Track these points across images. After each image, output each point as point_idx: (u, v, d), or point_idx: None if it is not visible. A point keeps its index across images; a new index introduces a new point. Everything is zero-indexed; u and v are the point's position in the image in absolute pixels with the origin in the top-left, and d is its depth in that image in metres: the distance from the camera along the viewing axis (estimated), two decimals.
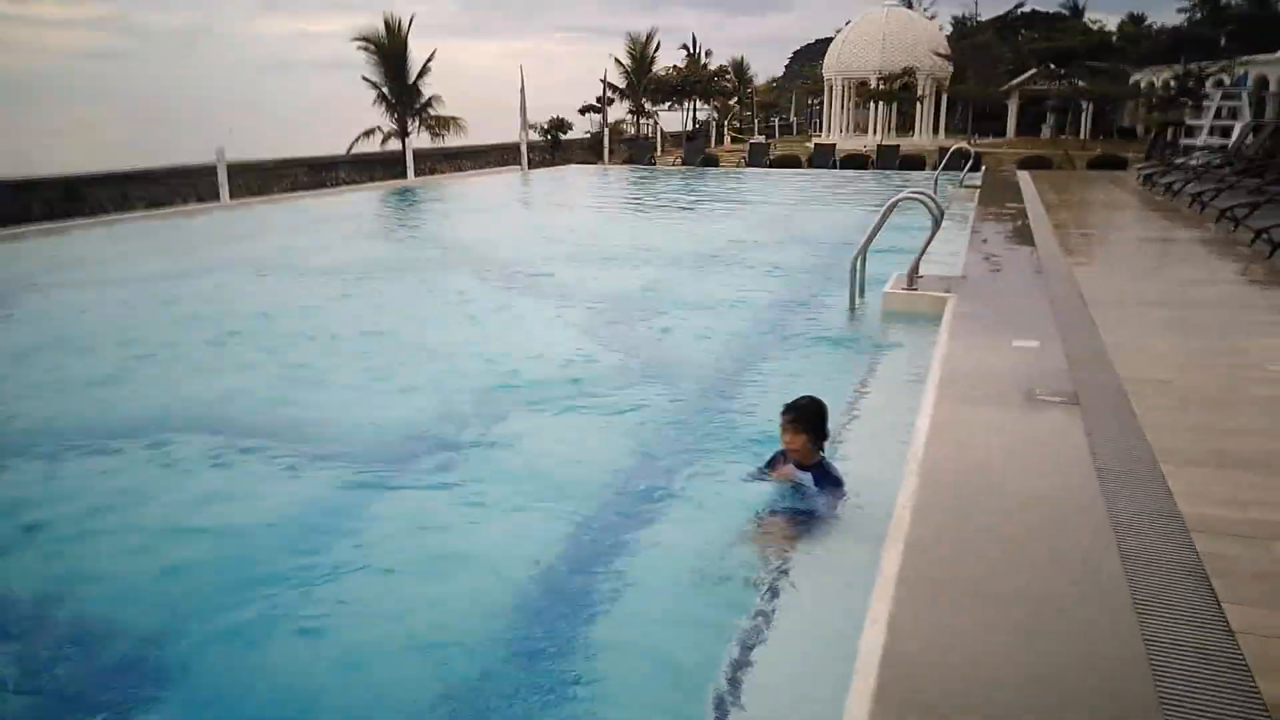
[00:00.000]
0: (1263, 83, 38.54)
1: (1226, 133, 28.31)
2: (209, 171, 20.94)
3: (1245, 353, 6.67)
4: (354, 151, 29.64)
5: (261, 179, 23.61)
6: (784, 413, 4.89)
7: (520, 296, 11.09)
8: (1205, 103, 32.90)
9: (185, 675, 3.75)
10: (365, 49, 29.68)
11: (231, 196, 20.67)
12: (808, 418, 4.85)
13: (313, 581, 4.41)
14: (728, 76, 50.11)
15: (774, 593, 4.10)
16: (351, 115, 31.12)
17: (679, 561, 4.58)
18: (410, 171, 28.08)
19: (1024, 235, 12.66)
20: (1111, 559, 3.58)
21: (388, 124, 30.25)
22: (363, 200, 22.58)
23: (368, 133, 30.79)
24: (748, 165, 32.45)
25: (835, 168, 30.48)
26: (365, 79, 29.80)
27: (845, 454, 5.70)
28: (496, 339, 9.19)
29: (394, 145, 29.71)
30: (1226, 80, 34.17)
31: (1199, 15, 56.32)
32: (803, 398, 4.93)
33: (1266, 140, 17.19)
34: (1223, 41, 51.84)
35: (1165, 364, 6.36)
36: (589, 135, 38.94)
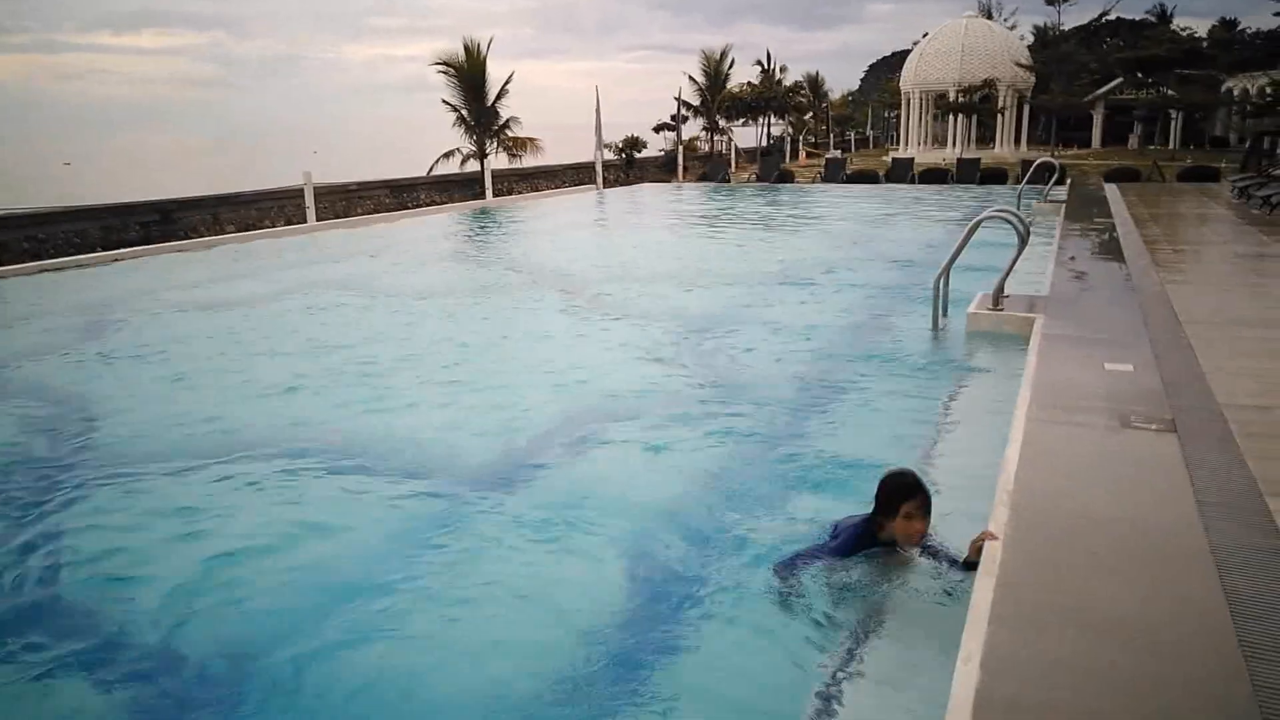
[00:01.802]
0: None
1: None
2: (296, 194, 21.70)
3: None
4: (434, 173, 30.35)
5: (345, 201, 24.35)
6: (909, 497, 4.29)
7: (597, 317, 11.18)
8: None
9: (248, 699, 3.83)
10: (445, 72, 30.43)
11: (317, 218, 21.37)
12: (928, 501, 4.32)
13: (382, 604, 4.49)
14: (802, 91, 49.88)
15: (862, 632, 4.04)
16: (432, 137, 31.92)
17: (757, 598, 4.54)
18: (489, 192, 28.61)
19: (1113, 251, 12.31)
20: (1215, 595, 3.47)
21: (466, 145, 30.93)
22: (442, 222, 23.08)
23: (447, 154, 31.52)
24: (824, 180, 32.22)
25: (914, 182, 30.06)
26: (445, 101, 30.52)
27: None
28: (573, 360, 9.28)
29: (472, 166, 30.34)
30: None
31: None
32: (911, 474, 4.43)
33: None
34: None
35: (1267, 389, 6.11)
36: (663, 153, 39.16)
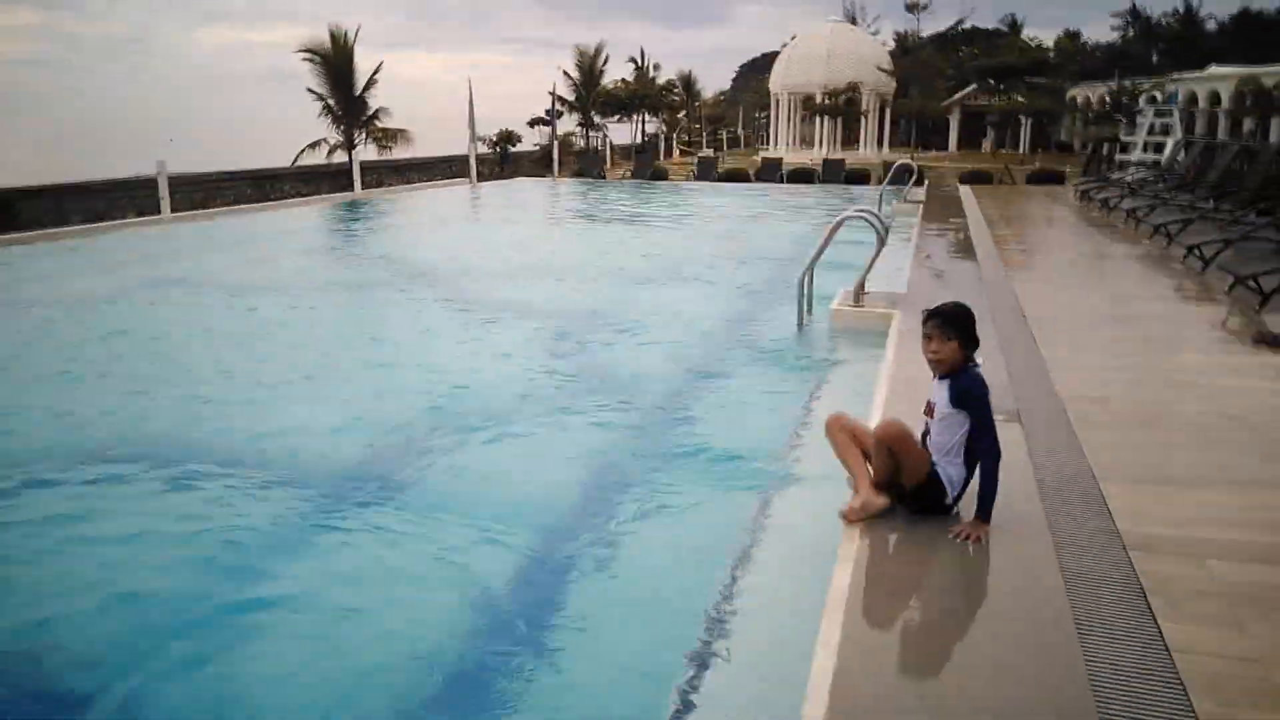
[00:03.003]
0: (1192, 99, 39.89)
1: (1159, 148, 29.23)
2: (149, 185, 20.55)
3: (1181, 369, 6.89)
4: (299, 164, 29.29)
5: (203, 192, 23.19)
6: (926, 319, 4.26)
7: (468, 312, 11.03)
8: (1139, 119, 33.92)
9: (126, 703, 3.66)
10: (310, 60, 29.39)
11: (173, 210, 20.31)
12: (956, 322, 4.19)
13: (249, 611, 4.34)
14: (675, 90, 50.42)
15: (727, 615, 4.13)
16: (296, 128, 30.76)
17: (632, 583, 4.60)
18: (357, 184, 27.82)
19: (966, 250, 12.94)
20: (1053, 576, 3.68)
21: (334, 136, 29.97)
22: (308, 214, 22.30)
23: (313, 145, 30.43)
24: (696, 179, 32.68)
25: (782, 181, 30.82)
26: (310, 90, 29.50)
27: (795, 472, 5.79)
28: (442, 356, 9.13)
29: (340, 158, 29.43)
30: (1159, 97, 35.28)
31: (1131, 33, 58.23)
32: (945, 304, 4.31)
33: (1197, 157, 17.76)
34: (1154, 59, 53.63)
35: (1104, 380, 6.53)
36: (538, 148, 38.93)
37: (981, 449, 4.10)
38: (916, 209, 18.95)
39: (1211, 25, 72.30)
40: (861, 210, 8.83)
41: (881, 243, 9.00)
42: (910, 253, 12.49)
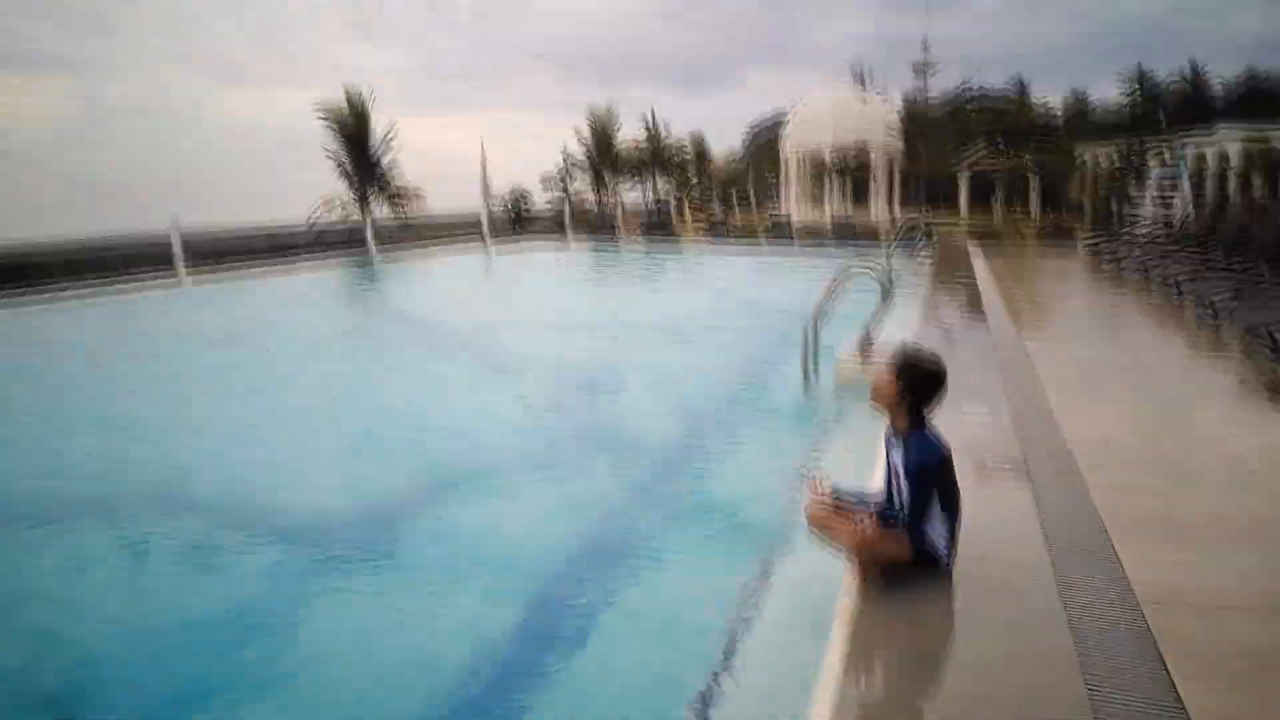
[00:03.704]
0: (1200, 159, 40.06)
1: (1169, 206, 29.28)
2: (163, 243, 20.73)
3: (1197, 422, 6.72)
4: (314, 223, 29.59)
5: (219, 251, 23.39)
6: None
7: (479, 375, 10.98)
8: (1148, 179, 34.07)
9: None
10: (326, 120, 29.90)
11: (187, 270, 20.45)
12: (905, 363, 4.02)
13: (241, 665, 4.20)
14: (686, 150, 51.00)
15: (722, 670, 3.95)
16: (314, 188, 31.20)
17: (629, 646, 4.43)
18: (371, 245, 28.05)
19: (975, 305, 12.83)
20: (1061, 632, 3.50)
21: (348, 196, 30.32)
22: (322, 277, 22.44)
23: (328, 205, 30.80)
24: (708, 238, 32.85)
25: (792, 240, 30.94)
26: (326, 150, 29.96)
27: (796, 535, 5.62)
28: (452, 418, 9.06)
29: (355, 217, 29.73)
30: (1167, 156, 35.43)
31: (1138, 94, 58.78)
32: (927, 352, 4.17)
33: (1208, 214, 17.71)
34: (1161, 119, 54.09)
35: (1113, 431, 6.37)
36: (549, 207, 39.27)
37: (904, 511, 3.89)
38: (926, 265, 18.91)
39: (1218, 87, 73.17)
40: (862, 265, 8.77)
41: (885, 295, 8.91)
42: (919, 307, 12.40)
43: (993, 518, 4.79)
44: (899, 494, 4.06)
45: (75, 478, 6.91)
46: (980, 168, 48.24)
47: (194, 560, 5.42)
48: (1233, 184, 40.26)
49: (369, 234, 28.24)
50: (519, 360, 11.48)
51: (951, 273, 17.37)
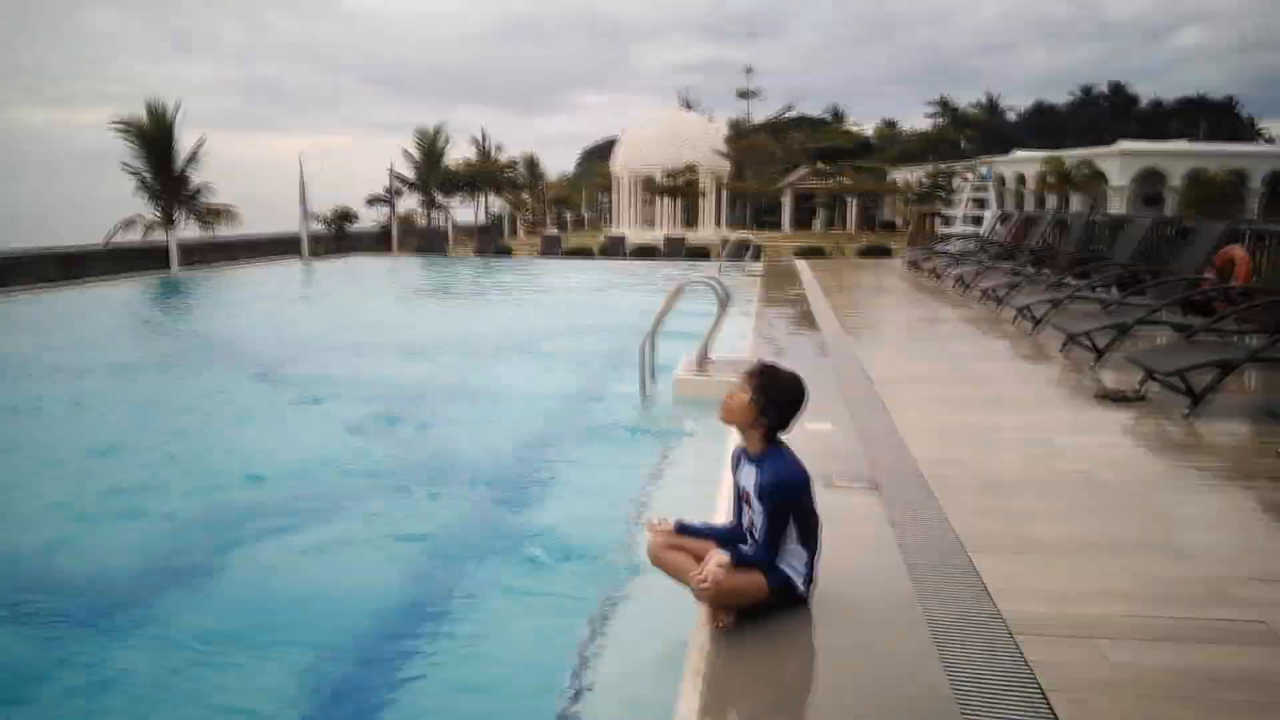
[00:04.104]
0: (1000, 180, 43.01)
1: (978, 221, 31.06)
2: None
3: (1029, 428, 6.70)
4: (112, 243, 27.17)
5: (3, 274, 21.01)
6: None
7: (291, 392, 10.00)
8: (955, 196, 36.18)
9: None
10: (125, 134, 27.58)
11: None
12: (766, 386, 3.60)
13: None
14: (517, 168, 50.40)
15: None
16: (115, 208, 28.67)
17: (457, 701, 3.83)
18: (174, 263, 25.98)
19: (807, 318, 12.86)
20: (934, 670, 3.14)
21: (151, 214, 28.04)
22: (116, 293, 20.47)
23: (127, 223, 28.38)
24: (541, 255, 32.33)
25: (626, 258, 30.86)
26: (125, 165, 27.62)
27: (640, 550, 5.14)
28: (258, 440, 8.13)
29: (158, 236, 27.50)
30: (974, 175, 37.73)
31: (943, 121, 62.76)
32: (787, 372, 3.72)
33: (1015, 227, 18.68)
34: (963, 145, 57.92)
35: (957, 443, 6.24)
36: (377, 225, 37.75)
37: (756, 539, 3.55)
38: (756, 281, 19.05)
39: (1012, 115, 79.42)
40: (701, 277, 8.47)
41: (723, 307, 8.64)
42: (752, 322, 12.29)
43: (851, 540, 4.46)
44: (751, 520, 3.65)
45: None
46: (802, 188, 50.06)
47: None
48: (1030, 201, 43.42)
49: (172, 251, 26.15)
50: (325, 380, 10.55)
51: (782, 288, 17.53)
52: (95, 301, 18.96)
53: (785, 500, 3.51)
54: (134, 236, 27.81)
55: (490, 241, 35.58)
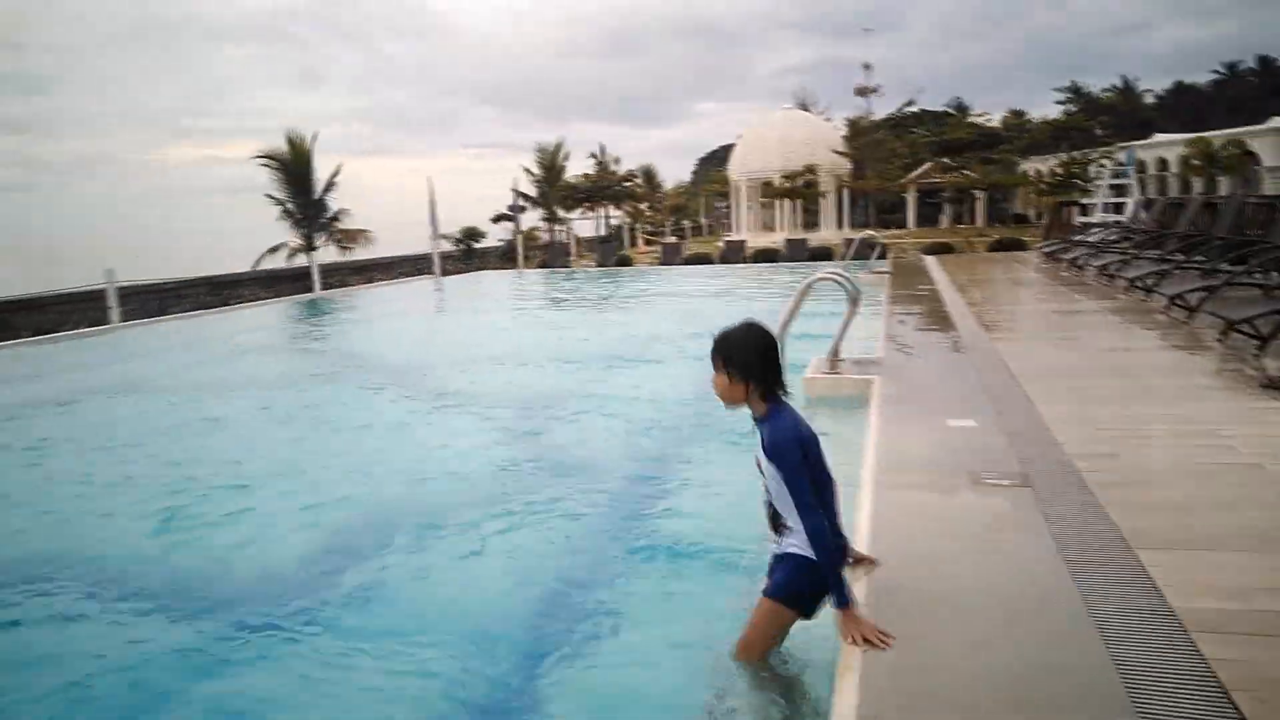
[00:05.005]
0: (1140, 166, 40.80)
1: (1119, 209, 29.54)
2: (98, 296, 19.94)
3: (1189, 420, 6.33)
4: (259, 268, 28.88)
5: (159, 300, 22.63)
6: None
7: (429, 403, 10.38)
8: (1093, 184, 34.50)
9: None
10: (268, 166, 29.29)
11: (125, 319, 19.66)
12: (725, 347, 3.48)
13: None
14: (637, 179, 50.86)
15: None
16: (260, 236, 30.52)
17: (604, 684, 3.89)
18: (316, 285, 27.35)
19: (940, 315, 12.51)
20: (1101, 662, 3.01)
21: (294, 240, 29.67)
22: (264, 316, 21.69)
23: (273, 249, 30.13)
24: (661, 264, 32.54)
25: (746, 263, 30.72)
26: (269, 196, 29.33)
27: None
28: (400, 451, 8.46)
29: (301, 261, 29.07)
30: (1112, 161, 35.95)
31: (1074, 108, 60.02)
32: (739, 327, 3.59)
33: (1160, 213, 17.68)
34: (1098, 131, 55.24)
35: (1111, 437, 5.95)
36: (502, 243, 38.80)
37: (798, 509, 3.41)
38: (884, 279, 18.65)
39: (1149, 98, 75.25)
40: (831, 272, 8.35)
41: (854, 304, 8.49)
42: (882, 320, 12.04)
43: (1002, 536, 4.33)
44: (767, 490, 3.57)
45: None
46: (927, 184, 48.70)
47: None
48: (1174, 187, 41.05)
49: (314, 273, 27.55)
50: (464, 390, 10.90)
51: (911, 285, 17.11)
52: (247, 323, 20.13)
53: (789, 456, 3.38)
54: (279, 262, 29.52)
55: (611, 252, 36.04)
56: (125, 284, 20.64)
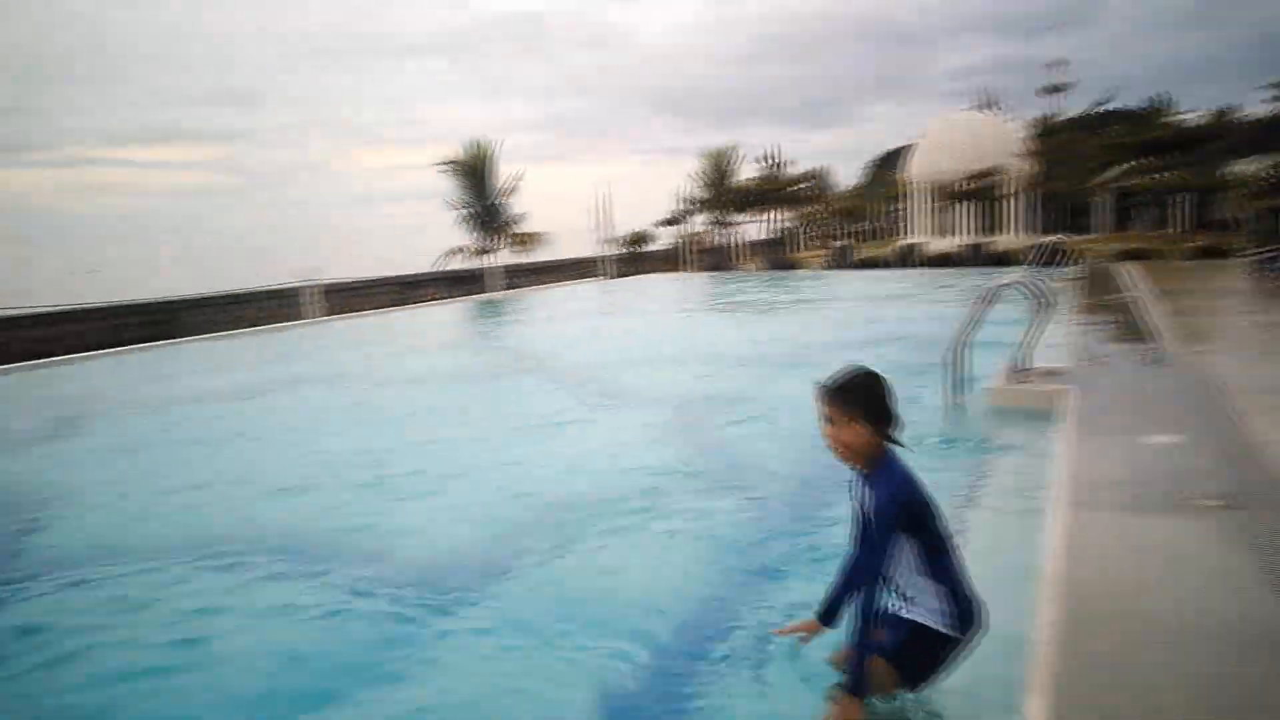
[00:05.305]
0: None
1: None
2: (299, 293, 21.52)
3: None
4: (440, 269, 30.33)
5: (351, 299, 24.18)
6: (820, 394, 3.30)
7: (593, 402, 10.59)
8: None
9: None
10: (449, 172, 30.73)
11: (323, 315, 21.12)
12: (854, 393, 3.23)
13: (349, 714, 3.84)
14: (807, 184, 50.23)
15: None
16: (443, 239, 32.10)
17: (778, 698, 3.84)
18: (493, 286, 28.48)
19: (1135, 325, 11.71)
20: None
21: (473, 242, 31.00)
22: (444, 314, 22.75)
23: (454, 251, 31.57)
24: (831, 267, 32.01)
25: (919, 267, 29.78)
26: (449, 203, 30.75)
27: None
28: (565, 447, 8.65)
29: (479, 263, 30.34)
30: None
31: None
32: (842, 372, 3.32)
33: None
34: None
35: None
36: (669, 245, 39.22)
37: (859, 564, 3.22)
38: (1072, 286, 17.63)
39: None
40: (1018, 278, 7.97)
41: (1044, 311, 8.07)
42: (1071, 328, 11.37)
43: (1208, 563, 4.01)
44: (869, 543, 3.28)
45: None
46: (1120, 186, 45.71)
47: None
48: None
49: (491, 275, 28.68)
50: (627, 388, 11.04)
51: (1102, 294, 16.11)
52: (428, 321, 21.18)
53: (895, 517, 3.13)
54: (458, 264, 30.92)
55: (779, 255, 35.74)
56: (322, 282, 22.13)
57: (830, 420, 3.25)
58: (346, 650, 4.58)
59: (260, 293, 22.89)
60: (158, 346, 16.83)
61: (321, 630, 4.81)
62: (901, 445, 3.26)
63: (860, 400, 3.21)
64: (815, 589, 4.97)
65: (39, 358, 15.38)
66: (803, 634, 3.75)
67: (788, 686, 3.97)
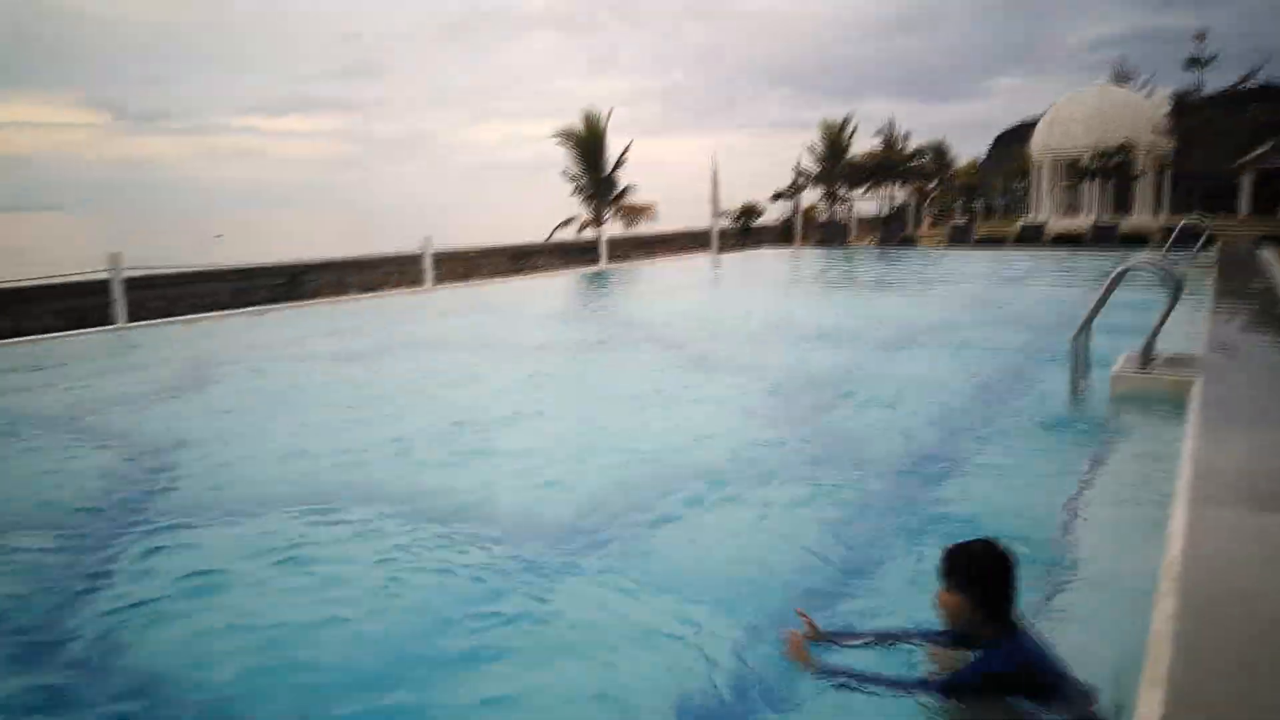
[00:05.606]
0: None
1: None
2: (417, 259, 22.20)
3: None
4: (552, 240, 30.79)
5: (466, 266, 24.81)
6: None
7: (703, 377, 10.65)
8: None
9: None
10: (564, 144, 31.05)
11: (437, 282, 21.77)
12: (960, 568, 3.20)
13: (452, 670, 4.05)
14: (926, 157, 48.80)
15: None
16: (555, 209, 32.57)
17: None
18: (603, 257, 28.73)
19: (1276, 314, 11.07)
20: None
21: (584, 214, 31.34)
22: (555, 284, 23.14)
23: (565, 222, 31.98)
24: (949, 245, 31.13)
25: (1044, 247, 28.68)
26: (564, 174, 31.11)
27: (1076, 558, 4.81)
28: (673, 421, 8.75)
29: (590, 234, 30.66)
30: None
31: None
32: (972, 542, 3.28)
33: None
34: None
35: None
36: (781, 220, 38.76)
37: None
38: (1207, 271, 16.75)
39: None
40: (1149, 260, 7.65)
41: (1176, 295, 7.72)
42: (1206, 315, 10.83)
43: None
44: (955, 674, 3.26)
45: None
46: (1268, 167, 42.92)
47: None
48: None
49: (602, 246, 28.94)
50: (735, 363, 11.05)
51: (1243, 280, 15.25)
52: (540, 290, 21.59)
53: (978, 686, 3.13)
54: (570, 235, 31.33)
55: (894, 232, 34.93)
56: (439, 250, 22.78)
57: (940, 581, 3.26)
58: (446, 602, 4.80)
59: (384, 258, 23.70)
60: (288, 306, 17.65)
61: (427, 581, 5.06)
62: (1015, 626, 3.18)
63: (964, 573, 3.17)
64: (912, 578, 4.93)
65: (165, 315, 16.31)
66: (806, 632, 3.80)
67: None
